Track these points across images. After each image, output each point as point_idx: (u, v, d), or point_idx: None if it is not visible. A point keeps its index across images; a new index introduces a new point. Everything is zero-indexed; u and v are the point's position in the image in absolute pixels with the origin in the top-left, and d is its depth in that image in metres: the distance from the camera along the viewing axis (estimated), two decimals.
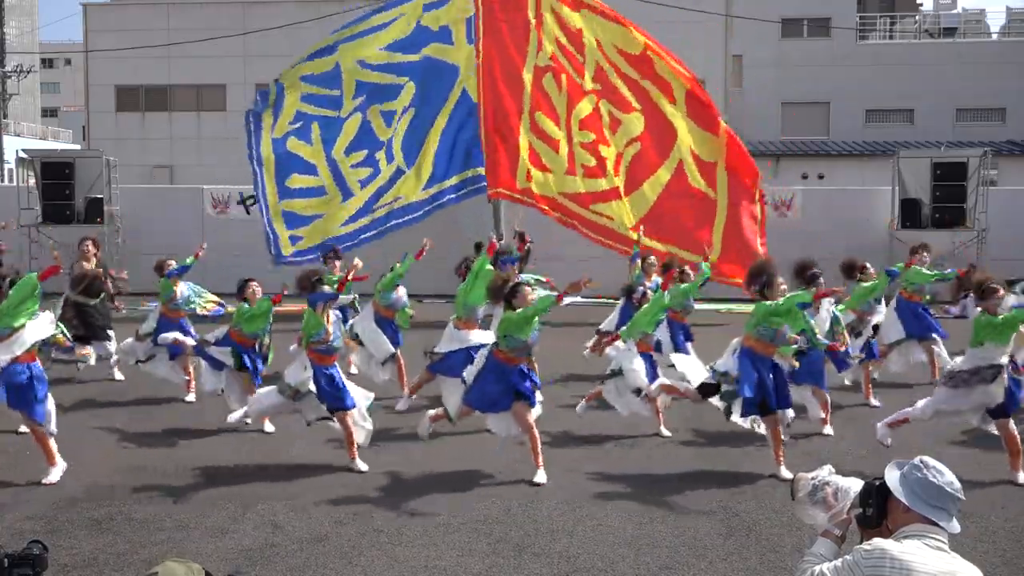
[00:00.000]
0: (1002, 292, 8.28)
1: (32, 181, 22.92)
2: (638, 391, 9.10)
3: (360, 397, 8.66)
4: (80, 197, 21.73)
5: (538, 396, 8.73)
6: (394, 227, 17.06)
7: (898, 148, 23.91)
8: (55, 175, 21.66)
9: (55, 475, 8.08)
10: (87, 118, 35.17)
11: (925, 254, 11.57)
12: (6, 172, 41.75)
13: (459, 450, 9.12)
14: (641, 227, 15.57)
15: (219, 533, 6.85)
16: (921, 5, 47.29)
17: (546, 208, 17.18)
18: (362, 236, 17.04)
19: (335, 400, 8.45)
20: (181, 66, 32.74)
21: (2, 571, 3.73)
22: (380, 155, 17.26)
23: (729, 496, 7.73)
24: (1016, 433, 8.13)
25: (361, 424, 8.58)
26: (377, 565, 6.29)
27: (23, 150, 28.15)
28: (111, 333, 12.10)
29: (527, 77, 17.12)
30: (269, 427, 9.67)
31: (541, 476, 8.04)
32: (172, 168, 33.62)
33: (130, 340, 11.44)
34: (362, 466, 8.40)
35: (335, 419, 8.53)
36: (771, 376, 8.32)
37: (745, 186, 17.09)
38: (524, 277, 10.83)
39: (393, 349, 11.14)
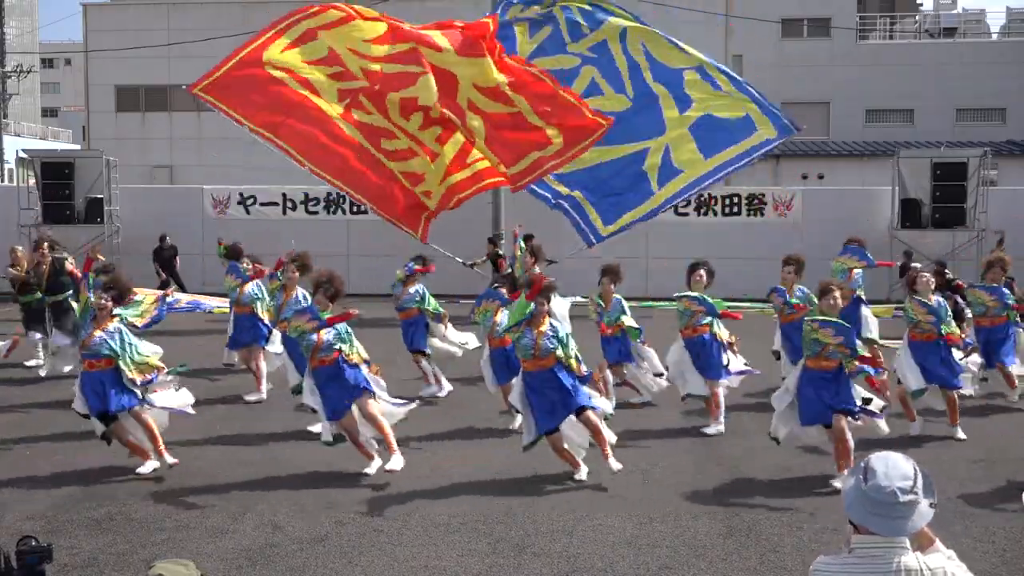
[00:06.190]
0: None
1: (32, 181, 22.96)
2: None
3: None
4: (80, 197, 21.76)
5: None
6: None
7: (898, 148, 23.89)
8: (55, 175, 21.69)
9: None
10: (87, 118, 35.13)
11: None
12: (6, 172, 41.76)
13: (459, 450, 9.12)
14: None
15: (219, 533, 6.85)
16: (921, 5, 47.31)
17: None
18: None
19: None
20: (181, 66, 32.64)
21: (8, 568, 3.73)
22: None
23: (729, 496, 7.73)
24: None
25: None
26: (377, 565, 6.29)
27: (23, 150, 28.17)
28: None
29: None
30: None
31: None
32: (172, 168, 33.58)
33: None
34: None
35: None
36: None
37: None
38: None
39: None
